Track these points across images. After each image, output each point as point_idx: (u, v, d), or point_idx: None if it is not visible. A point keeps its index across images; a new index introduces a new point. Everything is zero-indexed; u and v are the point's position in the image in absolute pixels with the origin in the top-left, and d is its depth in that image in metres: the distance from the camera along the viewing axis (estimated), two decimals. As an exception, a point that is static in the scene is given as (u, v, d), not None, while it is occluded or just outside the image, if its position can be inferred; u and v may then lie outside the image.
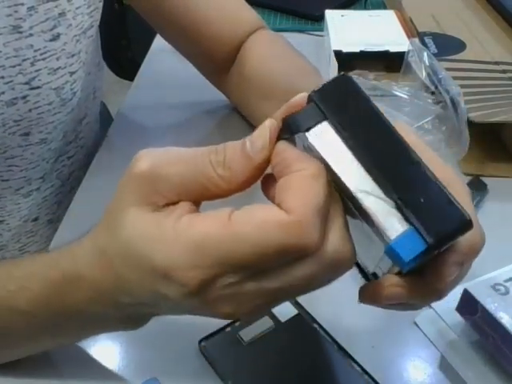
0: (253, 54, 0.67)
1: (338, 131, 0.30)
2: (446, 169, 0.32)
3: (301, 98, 0.31)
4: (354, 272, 0.33)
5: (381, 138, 0.29)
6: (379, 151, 0.29)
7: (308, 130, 0.30)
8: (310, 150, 0.30)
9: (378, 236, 0.28)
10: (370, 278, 0.34)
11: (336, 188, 0.30)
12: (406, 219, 0.28)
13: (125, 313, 0.35)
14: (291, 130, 0.30)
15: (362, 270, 0.34)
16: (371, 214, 0.28)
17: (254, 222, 0.29)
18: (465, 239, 0.30)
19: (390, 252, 0.28)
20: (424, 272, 0.32)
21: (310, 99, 0.31)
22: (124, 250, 0.32)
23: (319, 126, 0.30)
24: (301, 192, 0.29)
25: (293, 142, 0.31)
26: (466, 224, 0.28)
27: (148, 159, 0.32)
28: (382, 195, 0.28)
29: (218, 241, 0.29)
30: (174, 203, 0.32)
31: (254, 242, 0.29)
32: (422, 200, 0.28)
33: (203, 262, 0.29)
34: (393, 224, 0.28)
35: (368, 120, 0.30)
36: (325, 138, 0.30)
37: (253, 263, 0.29)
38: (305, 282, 0.30)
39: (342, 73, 0.31)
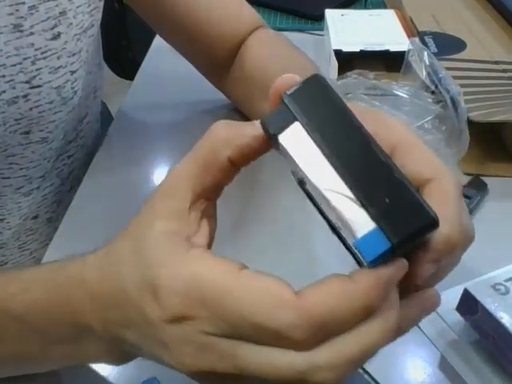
0: (253, 53, 0.67)
1: (309, 132, 0.30)
2: (432, 162, 0.32)
3: (287, 77, 0.32)
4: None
5: (350, 138, 0.29)
6: (348, 152, 0.29)
7: (281, 131, 0.30)
8: (283, 151, 0.31)
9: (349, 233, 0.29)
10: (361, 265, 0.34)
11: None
12: (373, 218, 0.28)
13: (110, 336, 0.34)
14: (266, 132, 0.31)
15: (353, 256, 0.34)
16: (339, 213, 0.29)
17: (262, 291, 0.28)
18: (439, 236, 0.29)
19: (356, 250, 0.28)
20: None
21: (283, 100, 0.31)
22: (136, 258, 0.31)
23: (291, 127, 0.30)
24: (330, 293, 0.28)
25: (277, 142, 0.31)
26: (430, 223, 0.28)
27: (173, 170, 0.33)
28: (350, 194, 0.29)
29: (218, 287, 0.28)
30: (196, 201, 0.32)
31: (252, 311, 0.28)
32: (388, 200, 0.28)
33: (193, 297, 0.29)
34: (358, 223, 0.28)
35: (338, 121, 0.30)
36: (295, 138, 0.30)
37: (240, 328, 0.28)
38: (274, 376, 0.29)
39: (315, 73, 0.31)
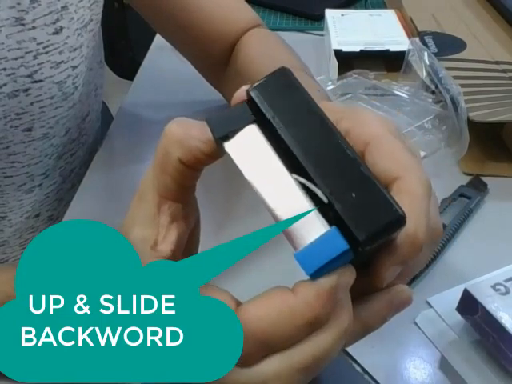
0: (244, 52, 0.67)
1: (270, 130, 0.29)
2: (400, 159, 0.30)
3: (243, 91, 0.30)
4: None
5: (316, 133, 0.28)
6: (314, 146, 0.28)
7: (229, 136, 0.29)
8: (232, 158, 0.29)
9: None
10: None
11: None
12: (330, 220, 0.27)
13: None
14: (213, 134, 0.29)
15: None
16: (287, 228, 0.28)
17: None
18: (404, 238, 0.28)
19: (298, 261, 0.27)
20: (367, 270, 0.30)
21: (248, 95, 0.30)
22: None
23: (242, 131, 0.29)
24: (270, 307, 0.28)
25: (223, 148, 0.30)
26: (398, 219, 0.27)
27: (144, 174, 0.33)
28: (303, 203, 0.27)
29: None
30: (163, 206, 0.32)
31: None
32: (354, 195, 0.27)
33: None
34: (305, 231, 0.27)
35: (303, 116, 0.29)
36: (247, 143, 0.29)
37: None
38: None
39: (282, 67, 0.30)
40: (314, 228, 0.27)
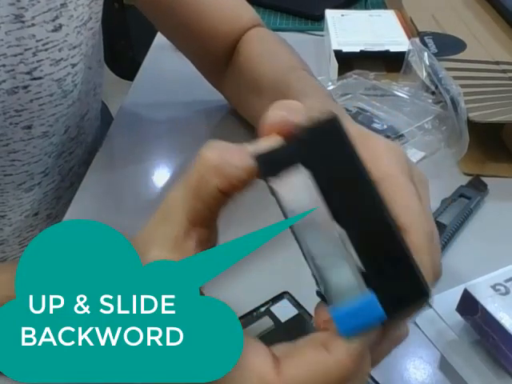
0: (244, 52, 0.67)
1: (314, 180, 0.28)
2: (409, 209, 0.31)
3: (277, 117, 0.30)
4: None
5: (357, 194, 0.28)
6: (355, 211, 0.28)
7: (278, 177, 0.28)
8: (276, 197, 0.29)
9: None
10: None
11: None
12: (368, 286, 0.27)
13: None
14: (260, 170, 0.29)
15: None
16: (325, 277, 0.28)
17: (246, 374, 0.29)
18: None
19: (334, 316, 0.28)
20: None
21: (293, 135, 0.29)
22: None
23: (292, 174, 0.28)
24: (306, 365, 0.29)
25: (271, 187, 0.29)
26: (424, 298, 0.28)
27: (168, 195, 0.32)
28: (342, 262, 0.28)
29: None
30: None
31: None
32: (385, 268, 0.27)
33: None
34: (342, 292, 0.28)
35: (348, 174, 0.28)
36: (295, 185, 0.28)
37: None
38: None
39: (333, 115, 0.29)
40: (353, 289, 0.28)
